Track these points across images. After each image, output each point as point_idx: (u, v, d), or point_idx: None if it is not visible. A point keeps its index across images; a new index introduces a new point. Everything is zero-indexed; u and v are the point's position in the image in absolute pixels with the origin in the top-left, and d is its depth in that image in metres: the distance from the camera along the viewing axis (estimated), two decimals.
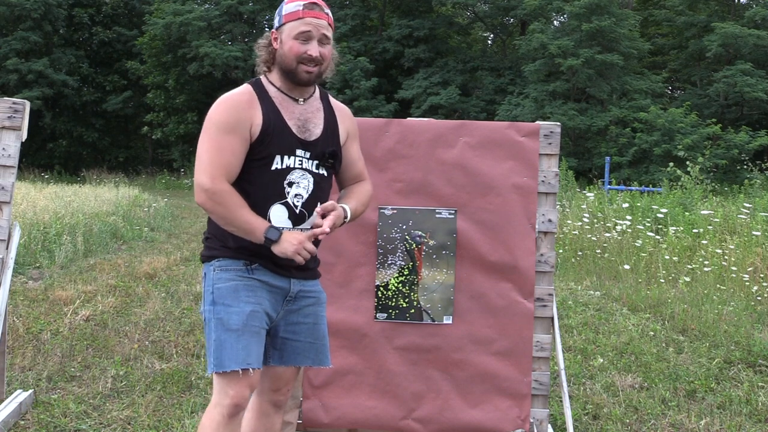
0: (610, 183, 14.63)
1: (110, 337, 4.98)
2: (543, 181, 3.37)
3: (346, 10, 29.54)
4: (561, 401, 3.89)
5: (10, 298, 4.59)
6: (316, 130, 2.37)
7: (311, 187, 2.34)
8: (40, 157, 29.77)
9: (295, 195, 2.31)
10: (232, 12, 29.00)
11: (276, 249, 2.22)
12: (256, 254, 2.28)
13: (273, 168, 2.28)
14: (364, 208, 2.49)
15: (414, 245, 3.36)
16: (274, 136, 2.27)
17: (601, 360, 4.80)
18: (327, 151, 2.38)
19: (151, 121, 30.13)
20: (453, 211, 3.36)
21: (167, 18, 27.30)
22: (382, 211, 3.37)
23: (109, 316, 5.58)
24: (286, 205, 2.30)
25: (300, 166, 2.32)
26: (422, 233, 3.36)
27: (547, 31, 23.73)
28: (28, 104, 3.57)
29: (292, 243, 2.22)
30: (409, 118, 3.55)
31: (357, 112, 24.26)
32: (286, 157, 2.29)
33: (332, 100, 2.50)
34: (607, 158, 16.47)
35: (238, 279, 2.29)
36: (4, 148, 3.48)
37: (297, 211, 2.31)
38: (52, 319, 5.33)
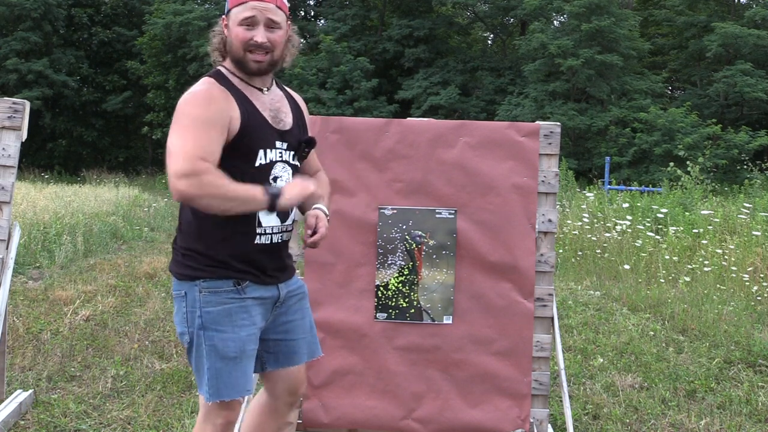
0: (610, 183, 14.63)
1: (110, 337, 4.98)
2: (543, 181, 3.37)
3: (346, 10, 29.54)
4: (561, 401, 3.89)
5: (10, 298, 4.59)
6: (288, 119, 2.26)
7: (290, 179, 2.23)
8: (40, 157, 29.76)
9: None
10: None
11: (283, 202, 2.06)
12: (246, 262, 2.17)
13: (257, 164, 2.14)
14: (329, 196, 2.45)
15: (414, 245, 3.36)
16: (254, 130, 2.13)
17: (601, 360, 4.80)
18: (303, 139, 2.29)
19: (151, 121, 30.11)
20: (453, 211, 3.36)
21: (167, 18, 27.29)
22: (382, 211, 3.37)
23: (109, 316, 5.58)
24: None
25: (281, 159, 2.20)
26: (422, 233, 3.36)
27: (547, 31, 23.70)
28: (28, 104, 3.57)
29: (294, 186, 2.10)
30: (409, 118, 3.55)
31: (357, 113, 24.25)
32: (268, 151, 2.17)
33: (286, 87, 2.39)
34: (607, 158, 16.47)
35: (230, 302, 2.15)
36: (4, 148, 3.48)
37: None
38: (52, 319, 5.33)
